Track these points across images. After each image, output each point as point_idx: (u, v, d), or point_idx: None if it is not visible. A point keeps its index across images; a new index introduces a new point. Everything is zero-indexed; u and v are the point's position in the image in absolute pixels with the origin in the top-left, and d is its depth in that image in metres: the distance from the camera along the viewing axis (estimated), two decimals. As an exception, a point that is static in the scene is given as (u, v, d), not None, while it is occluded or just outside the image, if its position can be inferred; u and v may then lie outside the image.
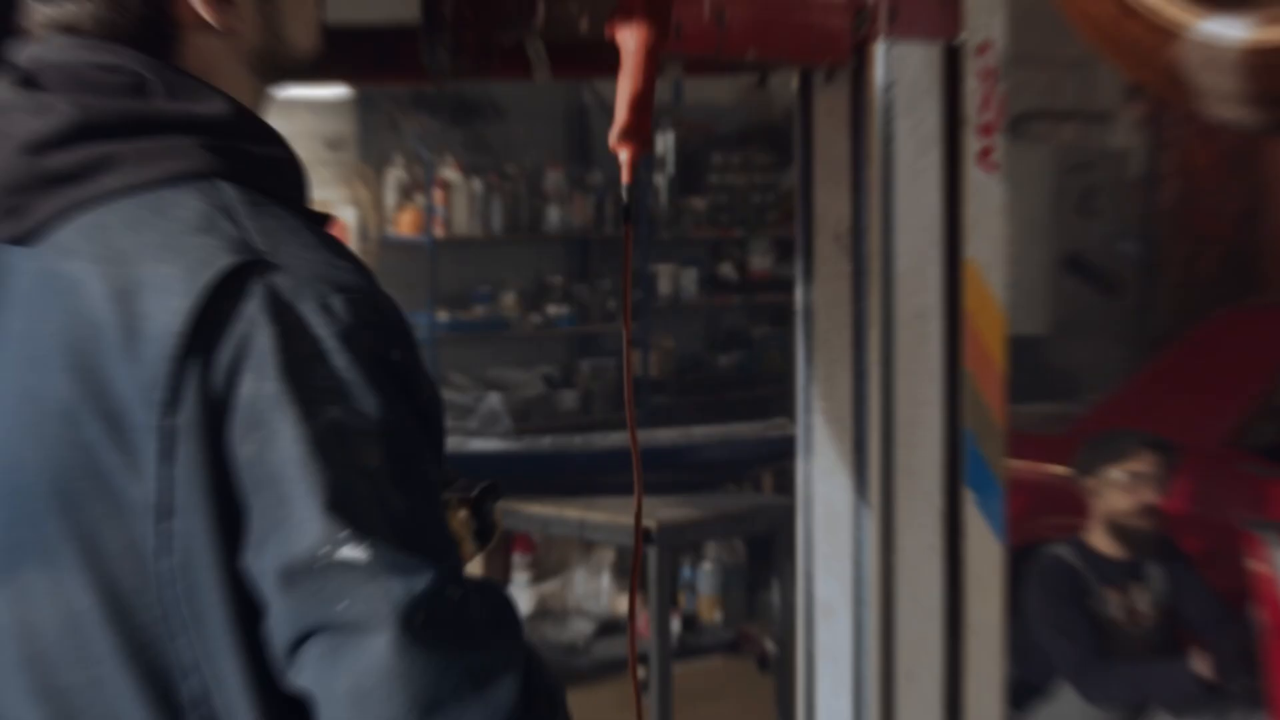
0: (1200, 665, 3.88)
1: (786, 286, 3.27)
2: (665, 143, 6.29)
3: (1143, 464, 4.02)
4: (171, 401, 1.12)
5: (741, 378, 6.53)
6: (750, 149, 6.61)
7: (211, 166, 1.22)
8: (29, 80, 1.24)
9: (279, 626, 1.13)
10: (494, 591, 1.17)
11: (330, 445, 1.11)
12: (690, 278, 6.53)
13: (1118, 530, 4.12)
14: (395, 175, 5.99)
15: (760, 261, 6.67)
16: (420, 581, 1.10)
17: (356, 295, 1.17)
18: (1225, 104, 2.46)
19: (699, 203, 6.59)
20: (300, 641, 1.12)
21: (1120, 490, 4.01)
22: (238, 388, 1.12)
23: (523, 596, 4.47)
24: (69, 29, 1.25)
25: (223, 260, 1.13)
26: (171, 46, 1.27)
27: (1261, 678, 3.85)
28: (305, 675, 1.13)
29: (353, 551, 1.09)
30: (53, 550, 1.21)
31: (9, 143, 1.22)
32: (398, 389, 1.17)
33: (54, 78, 1.24)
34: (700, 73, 4.47)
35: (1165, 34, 2.42)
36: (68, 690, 1.21)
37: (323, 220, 1.29)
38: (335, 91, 5.26)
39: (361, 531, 1.09)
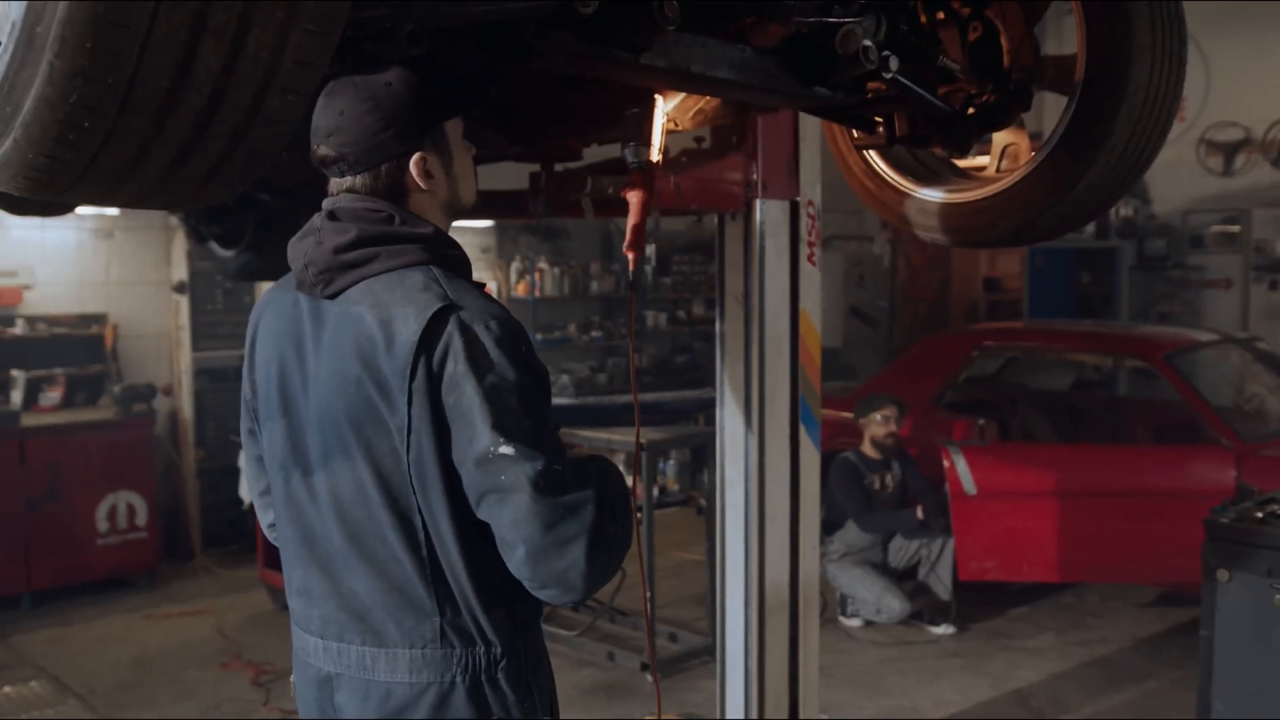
0: (918, 513, 5.63)
1: (711, 322, 4.30)
2: (651, 250, 9.29)
3: (889, 411, 5.75)
4: (412, 376, 1.62)
5: (688, 368, 9.41)
6: (693, 253, 9.66)
7: (426, 259, 1.71)
8: (332, 215, 1.74)
9: (471, 489, 1.62)
10: (578, 463, 1.67)
11: (491, 396, 1.59)
12: (663, 317, 9.68)
13: (877, 445, 5.85)
14: (515, 266, 9.11)
15: (698, 310, 9.64)
16: (540, 464, 1.59)
17: (501, 320, 1.66)
18: (928, 232, 2.82)
19: (667, 280, 9.79)
20: (483, 496, 1.62)
21: (878, 425, 5.74)
22: (445, 368, 1.61)
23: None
24: (351, 190, 1.75)
25: (435, 305, 1.62)
26: (403, 199, 1.75)
27: (949, 520, 5.56)
28: (487, 514, 1.64)
29: (506, 449, 1.57)
30: (349, 451, 1.69)
31: (325, 246, 1.71)
32: (524, 366, 1.64)
33: (345, 214, 1.73)
34: (668, 214, 6.57)
35: (900, 194, 2.82)
36: (355, 522, 1.72)
37: (481, 285, 1.77)
38: (486, 223, 8.29)
39: (510, 439, 1.57)
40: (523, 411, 1.61)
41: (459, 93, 1.84)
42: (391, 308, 1.65)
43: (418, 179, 1.74)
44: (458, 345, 1.61)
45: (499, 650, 1.73)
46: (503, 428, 1.58)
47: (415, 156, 1.73)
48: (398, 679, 1.72)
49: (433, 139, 1.75)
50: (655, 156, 2.27)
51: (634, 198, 2.31)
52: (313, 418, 1.76)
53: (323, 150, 1.74)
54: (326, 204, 1.77)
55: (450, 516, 1.67)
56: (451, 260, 1.76)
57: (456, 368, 1.60)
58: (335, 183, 1.77)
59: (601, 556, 1.63)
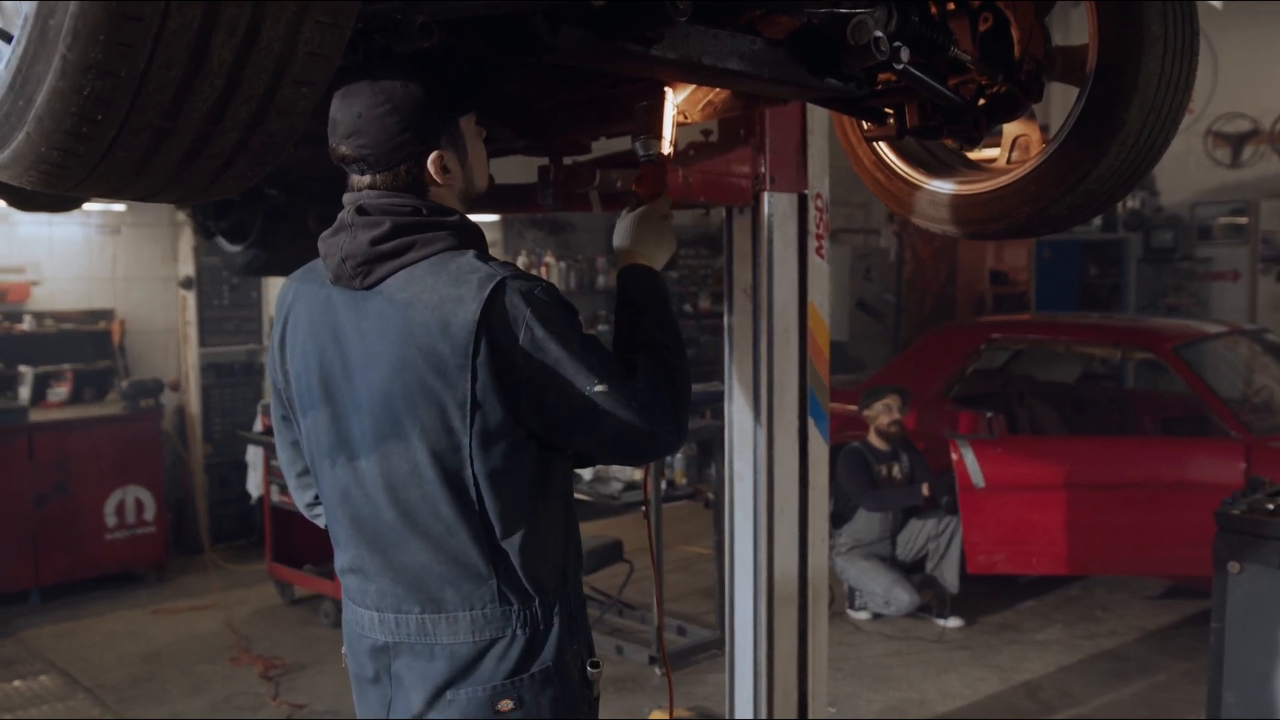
0: (924, 489, 5.67)
1: (718, 316, 4.42)
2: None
3: (891, 400, 5.79)
4: (475, 352, 1.71)
5: (695, 361, 9.10)
6: (700, 246, 9.54)
7: (458, 244, 1.81)
8: (362, 210, 1.80)
9: (567, 426, 1.78)
10: (645, 375, 1.81)
11: (571, 348, 1.73)
12: (670, 311, 9.77)
13: (882, 435, 5.91)
14: (522, 259, 8.95)
15: (705, 303, 9.48)
16: (625, 385, 1.76)
17: (546, 285, 1.80)
18: (938, 224, 2.78)
19: (674, 273, 9.79)
20: (581, 425, 1.78)
21: (882, 414, 5.79)
22: (519, 335, 1.71)
23: (587, 469, 5.44)
24: (372, 186, 1.82)
25: (490, 284, 1.73)
26: (424, 192, 1.83)
27: (954, 499, 5.62)
28: (587, 433, 1.79)
29: (599, 386, 1.74)
30: (403, 432, 1.78)
31: (361, 239, 1.78)
32: (573, 313, 1.81)
33: (374, 208, 1.80)
34: (675, 208, 6.18)
35: (910, 186, 2.78)
36: (408, 500, 1.81)
37: (508, 264, 1.81)
38: (492, 216, 8.07)
39: (598, 377, 1.74)
40: (589, 349, 1.76)
41: (472, 88, 1.87)
42: (441, 291, 1.73)
43: (435, 175, 1.82)
44: (528, 314, 1.72)
45: (552, 599, 1.84)
46: (588, 370, 1.73)
47: (433, 155, 1.80)
48: (460, 640, 1.82)
49: (449, 135, 1.82)
50: (666, 149, 2.24)
51: (642, 190, 2.29)
52: (361, 404, 1.82)
53: (343, 149, 1.80)
54: (350, 199, 1.83)
55: (511, 478, 1.77)
56: (476, 242, 1.85)
57: (536, 332, 1.72)
58: (356, 179, 1.84)
59: (681, 395, 1.84)
